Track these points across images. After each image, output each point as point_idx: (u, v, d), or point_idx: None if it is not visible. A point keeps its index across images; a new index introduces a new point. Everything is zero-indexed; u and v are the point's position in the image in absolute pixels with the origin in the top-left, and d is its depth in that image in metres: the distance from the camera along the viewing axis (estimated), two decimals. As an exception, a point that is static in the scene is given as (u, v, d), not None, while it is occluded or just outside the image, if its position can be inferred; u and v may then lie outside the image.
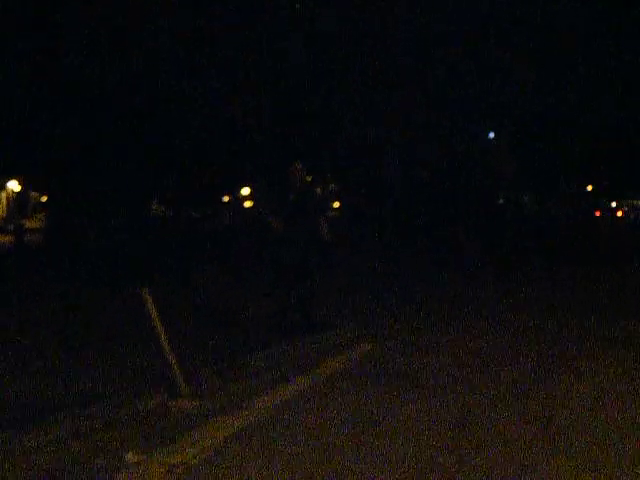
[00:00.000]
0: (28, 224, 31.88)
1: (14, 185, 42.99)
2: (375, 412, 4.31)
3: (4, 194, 44.38)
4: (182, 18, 20.44)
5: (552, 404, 4.50)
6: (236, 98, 22.68)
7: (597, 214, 47.98)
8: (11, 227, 30.05)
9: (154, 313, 4.24)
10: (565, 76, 32.98)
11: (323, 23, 24.92)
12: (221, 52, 21.78)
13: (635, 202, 56.52)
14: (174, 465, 3.49)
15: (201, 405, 4.22)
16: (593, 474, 3.40)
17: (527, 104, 37.26)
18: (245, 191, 43.30)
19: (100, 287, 10.88)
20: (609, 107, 36.82)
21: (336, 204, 37.74)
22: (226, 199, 44.26)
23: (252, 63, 22.62)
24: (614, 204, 55.25)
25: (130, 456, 3.54)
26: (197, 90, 21.73)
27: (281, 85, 23.94)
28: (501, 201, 39.99)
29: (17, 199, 46.81)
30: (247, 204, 43.73)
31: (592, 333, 6.86)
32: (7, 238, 27.06)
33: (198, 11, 20.72)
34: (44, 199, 40.40)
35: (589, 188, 49.62)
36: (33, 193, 46.05)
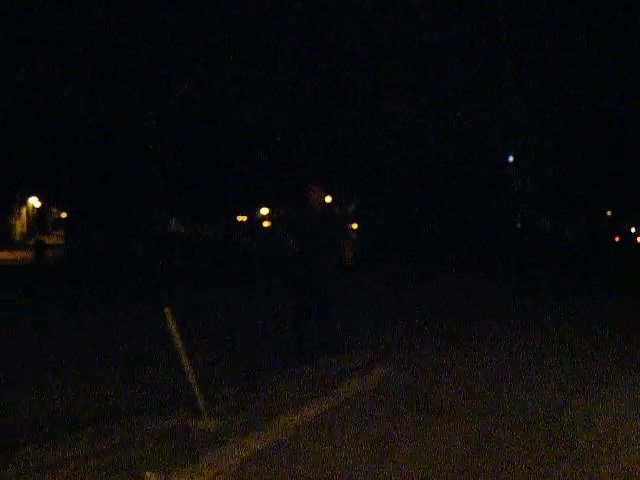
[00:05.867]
0: (47, 240, 32.17)
1: (34, 201, 43.47)
2: (393, 436, 4.25)
3: (24, 210, 44.82)
4: (195, 37, 20.79)
5: (575, 429, 4.41)
6: (257, 118, 22.97)
7: (617, 239, 47.42)
8: (32, 242, 30.37)
9: (176, 331, 4.23)
10: (584, 100, 33.07)
11: (347, 45, 25.28)
12: (243, 71, 22.13)
13: None
14: (193, 486, 3.46)
15: (220, 425, 4.19)
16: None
17: (546, 129, 37.30)
18: (264, 211, 43.56)
19: (122, 304, 10.98)
20: (628, 131, 36.74)
21: (354, 225, 37.81)
22: (244, 219, 44.58)
23: (272, 82, 22.93)
24: (633, 229, 54.67)
25: (149, 476, 3.50)
26: (218, 108, 22.03)
27: (302, 104, 24.20)
28: (519, 225, 39.91)
29: (37, 215, 47.33)
30: (266, 224, 43.97)
31: (617, 355, 6.74)
32: (27, 254, 27.31)
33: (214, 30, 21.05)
34: (64, 215, 40.82)
35: (608, 213, 49.28)
36: (53, 209, 46.54)
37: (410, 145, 28.46)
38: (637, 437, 4.27)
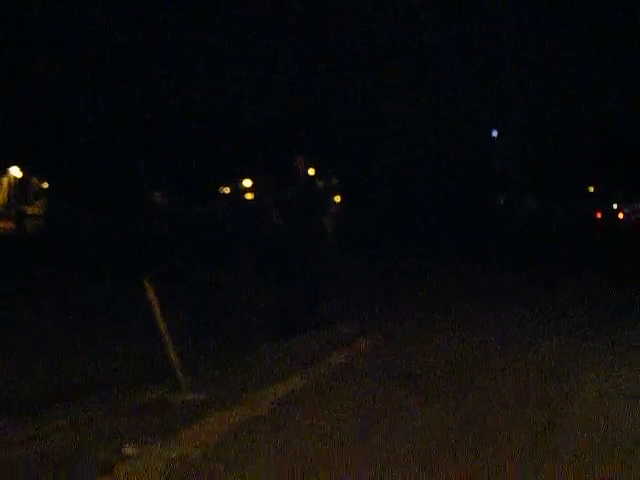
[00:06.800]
0: (29, 210, 32.04)
1: (16, 171, 42.81)
2: (375, 410, 4.26)
3: (5, 180, 44.30)
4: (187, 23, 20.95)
5: (554, 409, 4.40)
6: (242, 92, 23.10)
7: (598, 216, 47.21)
8: (12, 212, 30.02)
9: (155, 304, 4.23)
10: (569, 77, 33.08)
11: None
12: (228, 51, 22.29)
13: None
14: (173, 459, 3.45)
15: (201, 398, 4.18)
16: (593, 478, 3.31)
17: (531, 104, 37.20)
18: (247, 183, 42.83)
19: (101, 275, 10.85)
20: (611, 109, 36.81)
21: (337, 198, 37.57)
22: (227, 191, 43.96)
23: (258, 60, 23.10)
24: (615, 206, 54.59)
25: (129, 449, 3.49)
26: (202, 84, 22.15)
27: (286, 80, 24.33)
28: (502, 201, 39.98)
29: (18, 185, 46.69)
30: (248, 196, 43.15)
31: (596, 337, 6.71)
32: (8, 224, 26.97)
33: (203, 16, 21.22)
34: (45, 186, 40.58)
35: (591, 189, 49.26)
36: (34, 179, 45.95)
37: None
38: (619, 411, 4.27)
